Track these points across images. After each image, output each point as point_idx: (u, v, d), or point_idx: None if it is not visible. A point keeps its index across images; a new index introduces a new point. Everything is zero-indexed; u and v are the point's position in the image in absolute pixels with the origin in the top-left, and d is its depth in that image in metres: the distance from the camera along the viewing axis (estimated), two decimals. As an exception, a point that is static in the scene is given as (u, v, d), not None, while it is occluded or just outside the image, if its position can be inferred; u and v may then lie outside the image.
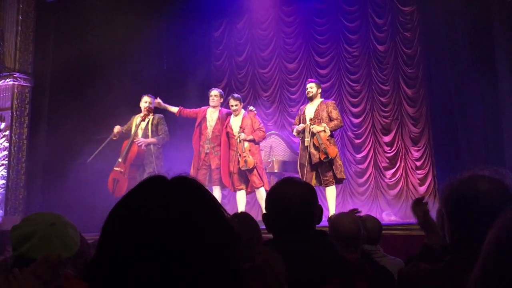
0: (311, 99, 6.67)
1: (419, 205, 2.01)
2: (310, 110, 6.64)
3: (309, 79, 7.36)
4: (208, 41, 9.76)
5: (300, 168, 6.57)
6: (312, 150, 6.33)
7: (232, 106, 6.84)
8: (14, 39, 7.87)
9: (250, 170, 6.62)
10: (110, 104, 8.15)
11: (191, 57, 9.16)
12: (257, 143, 6.80)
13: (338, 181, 6.46)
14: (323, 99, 6.73)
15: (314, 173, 6.43)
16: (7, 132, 7.68)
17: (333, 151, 6.27)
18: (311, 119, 6.43)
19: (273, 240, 1.70)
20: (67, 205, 6.51)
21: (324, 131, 6.31)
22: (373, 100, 8.63)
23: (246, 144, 6.64)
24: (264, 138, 6.91)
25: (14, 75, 7.76)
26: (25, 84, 7.85)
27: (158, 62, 9.35)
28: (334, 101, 6.97)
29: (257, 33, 9.55)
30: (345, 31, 8.92)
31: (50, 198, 7.47)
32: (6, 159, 7.64)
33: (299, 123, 6.66)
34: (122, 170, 6.70)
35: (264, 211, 1.80)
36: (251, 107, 7.05)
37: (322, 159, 6.26)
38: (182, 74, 8.74)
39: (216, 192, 6.79)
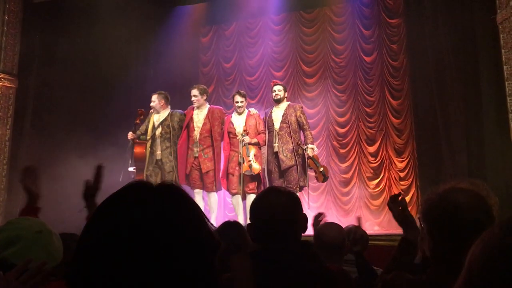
0: (278, 101, 6.44)
1: (395, 203, 1.92)
2: (277, 114, 6.41)
3: (274, 81, 7.00)
4: (196, 47, 9.74)
5: (268, 175, 6.37)
6: (282, 156, 6.22)
7: (238, 102, 6.38)
8: (-1, 39, 7.79)
9: (254, 177, 6.22)
10: (94, 108, 8.10)
11: (179, 63, 9.13)
12: (261, 147, 6.36)
13: (299, 189, 6.28)
14: (289, 102, 6.63)
15: (282, 181, 6.26)
16: (-10, 133, 7.57)
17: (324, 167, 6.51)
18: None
19: (258, 250, 1.69)
20: (50, 208, 6.40)
21: (313, 149, 6.30)
22: (358, 110, 8.70)
23: (253, 149, 6.23)
24: None
25: (-1, 76, 7.67)
26: (9, 85, 7.76)
27: (145, 67, 9.30)
28: (301, 104, 6.86)
29: (245, 41, 9.57)
30: (333, 41, 8.99)
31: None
32: (-12, 160, 7.53)
33: (266, 128, 6.38)
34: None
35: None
36: (253, 110, 6.55)
37: (320, 180, 6.43)
38: (169, 80, 8.69)
39: (212, 198, 6.41)
